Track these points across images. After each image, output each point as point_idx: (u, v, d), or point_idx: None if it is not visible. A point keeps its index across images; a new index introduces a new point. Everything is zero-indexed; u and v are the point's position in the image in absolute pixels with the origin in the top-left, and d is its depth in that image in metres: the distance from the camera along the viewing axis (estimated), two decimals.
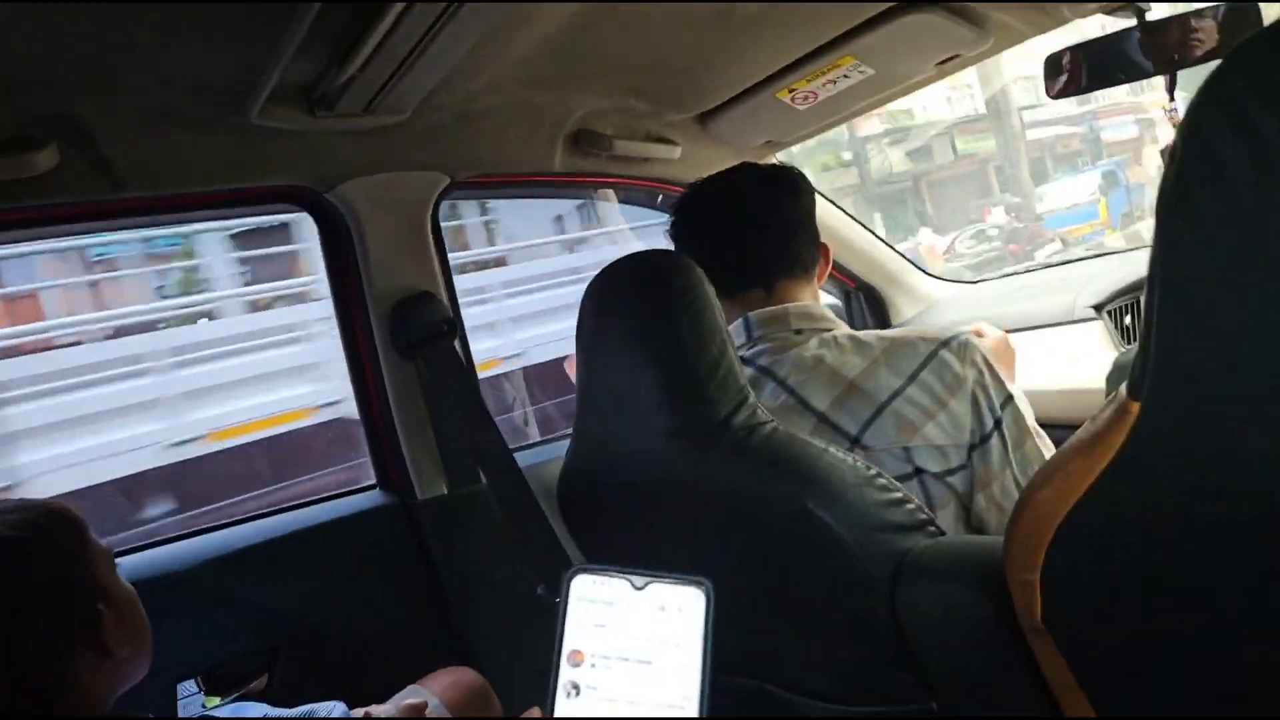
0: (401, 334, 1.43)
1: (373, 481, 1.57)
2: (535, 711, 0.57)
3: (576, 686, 0.50)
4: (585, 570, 0.52)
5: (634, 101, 1.55)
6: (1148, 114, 18.22)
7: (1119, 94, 17.90)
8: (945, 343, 1.06)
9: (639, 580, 0.51)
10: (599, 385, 1.05)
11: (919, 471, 1.03)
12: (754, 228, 1.15)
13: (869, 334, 1.10)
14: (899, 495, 0.89)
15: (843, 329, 1.13)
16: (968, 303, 2.09)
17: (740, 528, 0.91)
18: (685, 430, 0.92)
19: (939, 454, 1.03)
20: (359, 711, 1.07)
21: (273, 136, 1.24)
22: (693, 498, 0.94)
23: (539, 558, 1.39)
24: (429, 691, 1.18)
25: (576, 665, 0.50)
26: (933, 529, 0.89)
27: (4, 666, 0.78)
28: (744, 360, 1.07)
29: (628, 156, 1.64)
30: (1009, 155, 16.01)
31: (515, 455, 1.47)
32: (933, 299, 2.13)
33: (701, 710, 0.49)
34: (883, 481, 0.89)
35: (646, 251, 1.01)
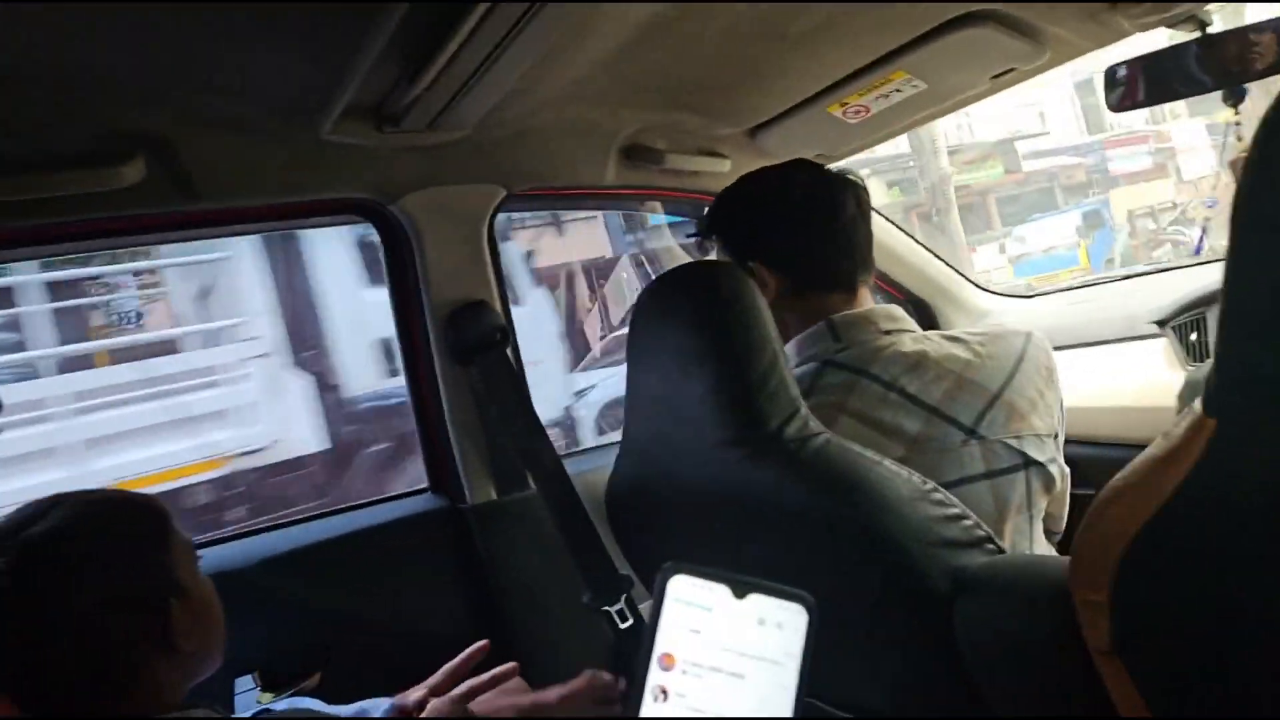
0: (457, 341, 1.46)
1: (425, 485, 1.60)
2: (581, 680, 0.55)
3: (665, 691, 0.47)
4: (683, 570, 0.49)
5: (685, 116, 1.57)
6: (1167, 143, 16.90)
7: (1136, 120, 16.71)
8: (1029, 335, 1.09)
9: (741, 588, 0.49)
10: (648, 394, 1.06)
11: (1028, 462, 1.02)
12: (846, 231, 1.14)
13: (955, 331, 1.11)
14: (956, 511, 0.88)
15: (920, 330, 1.14)
16: (1022, 318, 2.05)
17: (792, 539, 0.91)
18: (736, 441, 0.93)
19: (1040, 443, 1.04)
20: (418, 691, 1.07)
21: (342, 151, 1.29)
22: (744, 509, 0.95)
23: (587, 566, 1.40)
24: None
25: (667, 670, 0.47)
26: (991, 546, 0.88)
27: (72, 655, 0.78)
28: (835, 363, 1.07)
29: (678, 170, 1.66)
30: (934, 200, 12.90)
31: (564, 462, 1.49)
32: (985, 313, 2.11)
33: None
34: (939, 496, 0.88)
35: (699, 261, 1.02)
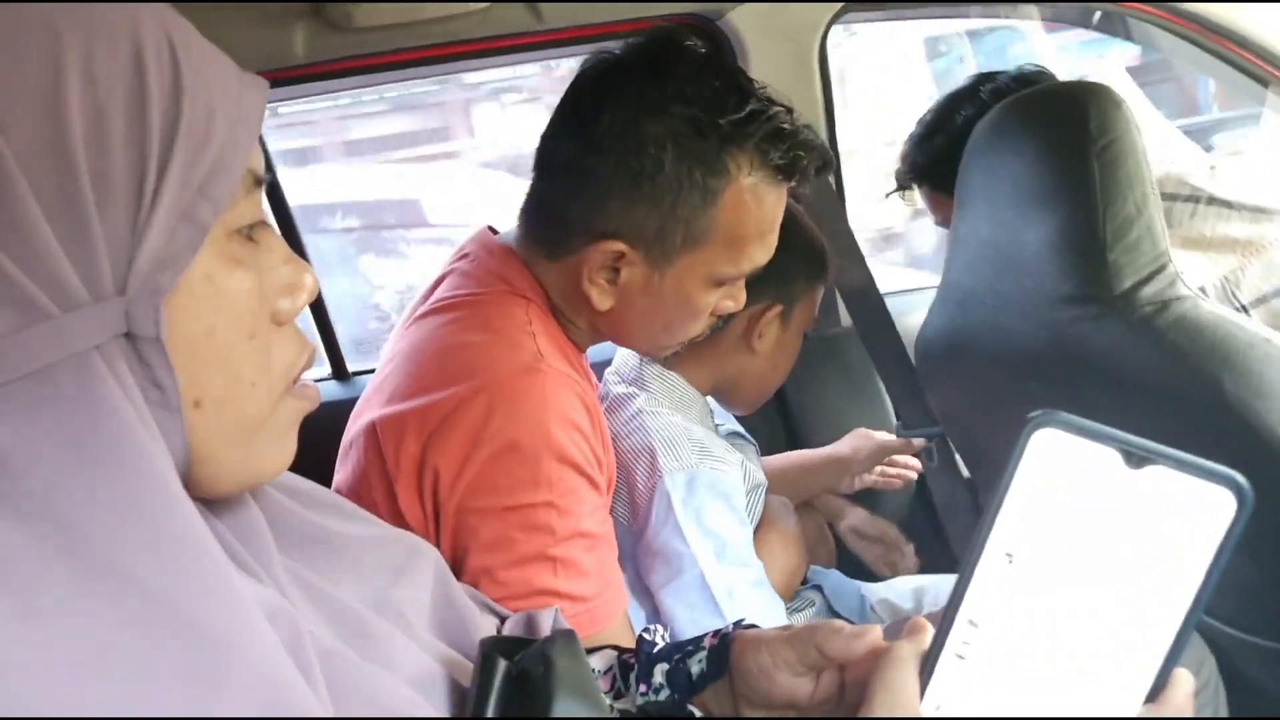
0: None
1: None
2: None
3: (1011, 556, 0.39)
4: (1057, 423, 0.38)
5: None
6: None
7: None
8: None
9: (1138, 455, 0.37)
10: (976, 236, 0.96)
11: None
12: None
13: None
14: None
15: None
16: None
17: (1134, 418, 0.80)
18: (1079, 298, 0.82)
19: None
20: None
21: None
22: (1079, 374, 0.85)
23: (900, 399, 1.35)
24: None
25: (1018, 532, 0.39)
26: None
27: None
28: None
29: None
30: None
31: None
32: None
33: (1172, 654, 0.38)
34: None
35: (1062, 83, 0.86)
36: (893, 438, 1.28)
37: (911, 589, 1.20)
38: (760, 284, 0.97)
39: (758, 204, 0.77)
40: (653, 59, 0.76)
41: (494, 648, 0.43)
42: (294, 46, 1.17)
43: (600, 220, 0.76)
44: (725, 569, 0.89)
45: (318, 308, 1.49)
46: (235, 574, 0.34)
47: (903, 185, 1.17)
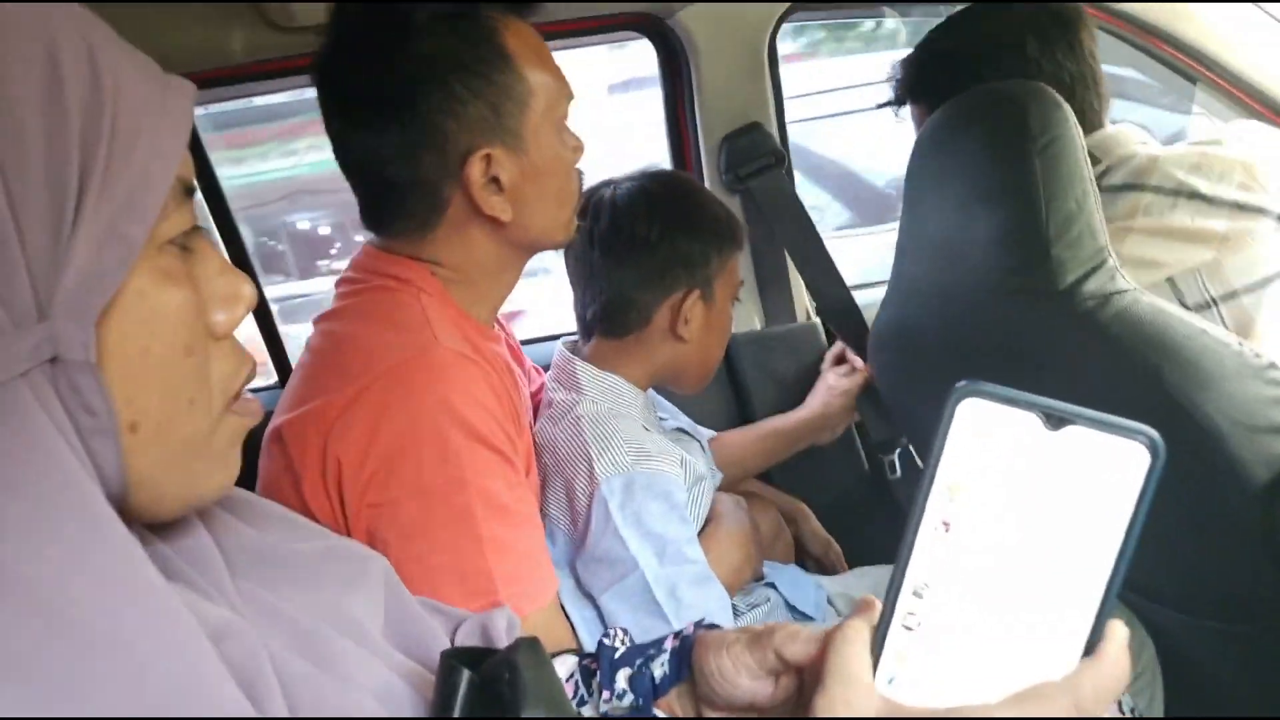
0: (730, 167, 1.43)
1: None
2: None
3: (947, 524, 0.40)
4: (980, 393, 0.39)
5: None
6: None
7: None
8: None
9: (1056, 417, 0.39)
10: (924, 231, 0.97)
11: None
12: None
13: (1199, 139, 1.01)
14: None
15: None
16: None
17: (1082, 406, 0.82)
18: (1024, 291, 0.84)
19: None
20: None
21: None
22: (1026, 367, 0.87)
23: (864, 405, 1.37)
24: None
25: (952, 501, 0.40)
26: None
27: None
28: (1107, 187, 0.98)
29: None
30: None
31: None
32: None
33: (1104, 606, 0.39)
34: (1277, 375, 0.74)
35: (1002, 83, 0.88)
36: (856, 379, 1.31)
37: (870, 581, 1.21)
38: (671, 273, 1.00)
39: (534, 51, 0.82)
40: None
41: (456, 657, 0.43)
42: (232, 45, 1.14)
43: (449, 151, 0.78)
44: (667, 569, 0.89)
45: (263, 314, 1.45)
46: (171, 592, 0.33)
47: (898, 100, 1.16)
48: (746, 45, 1.40)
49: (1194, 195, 0.91)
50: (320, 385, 0.75)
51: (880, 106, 1.18)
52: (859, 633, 0.41)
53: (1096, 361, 0.79)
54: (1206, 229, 0.90)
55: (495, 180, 0.80)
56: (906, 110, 1.15)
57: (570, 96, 0.85)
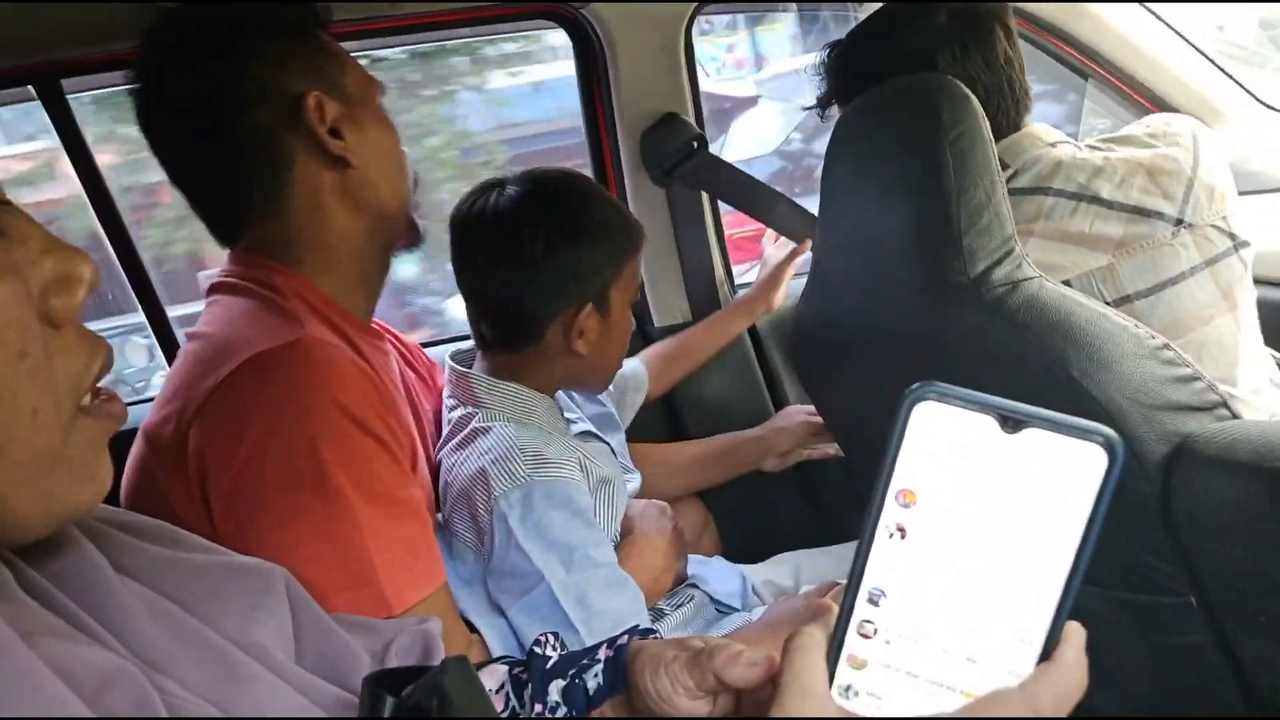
0: (654, 163, 1.42)
1: None
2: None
3: (902, 530, 0.39)
4: (934, 396, 0.39)
5: None
6: None
7: None
8: (1187, 117, 0.99)
9: (1013, 420, 0.38)
10: (840, 225, 0.98)
11: (1238, 244, 0.93)
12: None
13: (1113, 134, 1.01)
14: (1188, 372, 0.78)
15: None
16: None
17: (995, 392, 0.85)
18: (938, 280, 0.85)
19: (1238, 221, 0.94)
20: None
21: None
22: (940, 356, 0.89)
23: (778, 395, 1.40)
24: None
25: (906, 506, 0.39)
26: (1224, 412, 0.78)
27: None
28: (1013, 190, 0.98)
29: None
30: None
31: None
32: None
33: (1060, 609, 0.38)
34: (1170, 355, 0.78)
35: (910, 77, 0.89)
36: (815, 418, 1.34)
37: (790, 567, 1.23)
38: (560, 287, 0.95)
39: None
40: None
41: (379, 683, 0.40)
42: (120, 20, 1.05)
43: (272, 110, 0.78)
44: (575, 575, 0.87)
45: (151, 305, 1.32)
46: (28, 654, 0.29)
47: (823, 103, 1.14)
48: (662, 35, 1.39)
49: (1095, 200, 0.92)
50: (182, 385, 0.73)
51: (806, 110, 1.18)
52: (815, 641, 0.40)
53: (1008, 348, 0.81)
54: (1104, 234, 0.91)
55: (335, 131, 0.81)
56: (834, 110, 1.15)
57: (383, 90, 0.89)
